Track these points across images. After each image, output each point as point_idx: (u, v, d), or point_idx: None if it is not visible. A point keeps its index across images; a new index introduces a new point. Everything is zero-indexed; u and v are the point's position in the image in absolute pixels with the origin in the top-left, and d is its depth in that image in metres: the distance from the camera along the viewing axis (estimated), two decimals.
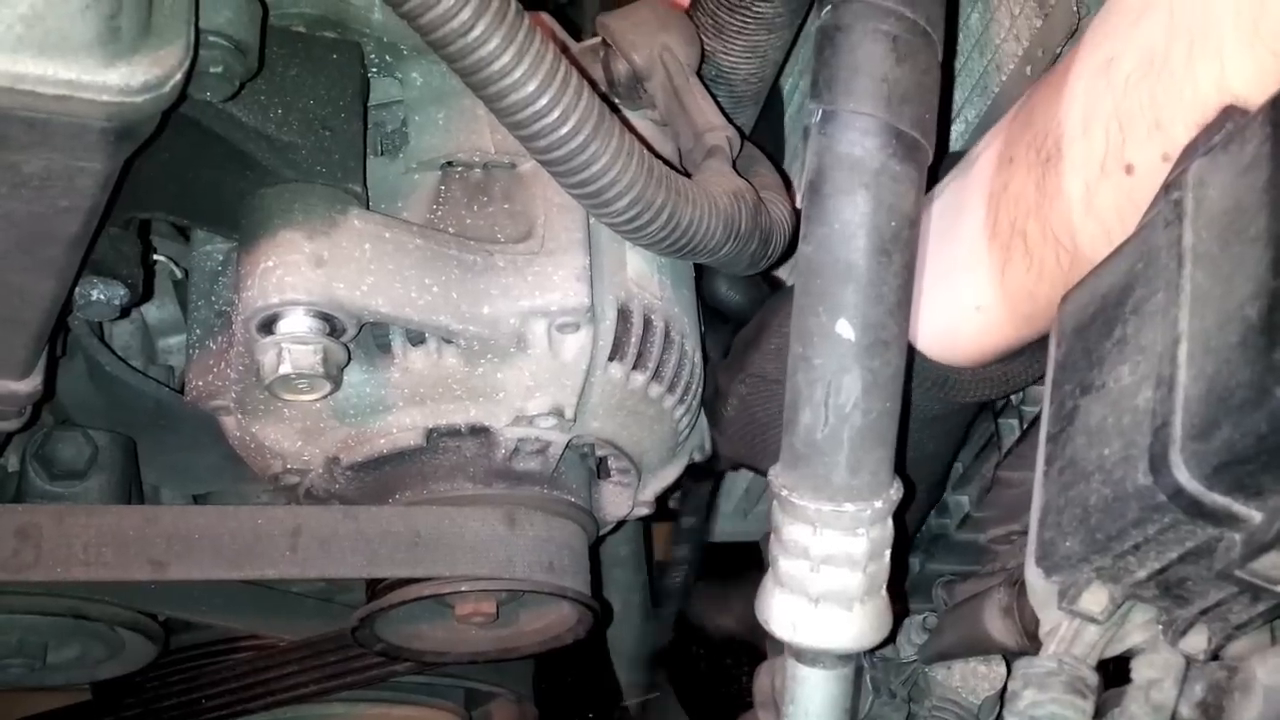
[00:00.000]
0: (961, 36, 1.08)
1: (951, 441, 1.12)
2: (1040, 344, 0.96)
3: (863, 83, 0.75)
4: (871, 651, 1.13)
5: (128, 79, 0.65)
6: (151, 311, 1.23)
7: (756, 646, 1.69)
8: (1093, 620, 0.73)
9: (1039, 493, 0.77)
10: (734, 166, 1.04)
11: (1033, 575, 0.76)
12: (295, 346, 0.88)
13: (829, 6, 0.76)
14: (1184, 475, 0.62)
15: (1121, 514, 0.67)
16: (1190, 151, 0.72)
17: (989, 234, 0.89)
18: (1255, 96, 0.70)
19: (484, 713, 1.63)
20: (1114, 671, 0.77)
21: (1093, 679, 0.74)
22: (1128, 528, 0.67)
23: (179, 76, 0.68)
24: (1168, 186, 0.72)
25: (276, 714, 1.39)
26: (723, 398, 1.17)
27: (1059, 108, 0.83)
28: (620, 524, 1.23)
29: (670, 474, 1.19)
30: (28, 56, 0.63)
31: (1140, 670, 0.74)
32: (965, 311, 0.93)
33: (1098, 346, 0.74)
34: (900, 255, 0.75)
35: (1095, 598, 0.71)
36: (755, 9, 1.10)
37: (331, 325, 0.90)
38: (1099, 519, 0.69)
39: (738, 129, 1.09)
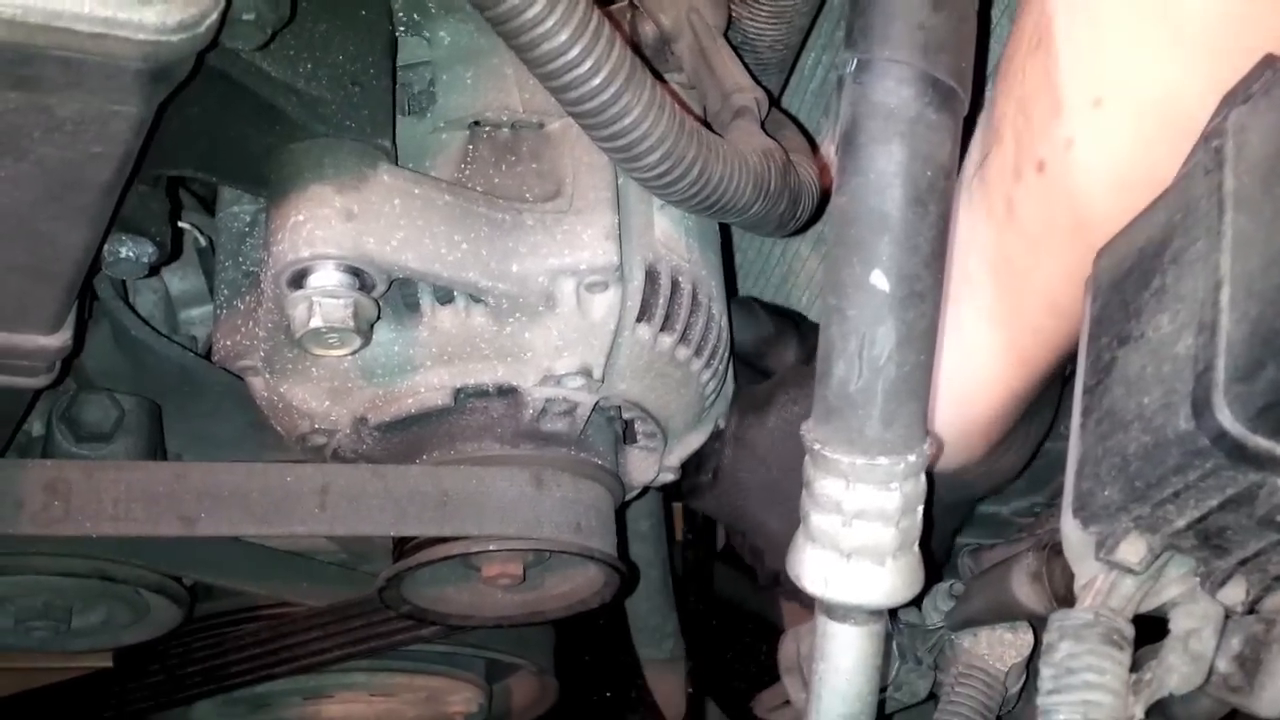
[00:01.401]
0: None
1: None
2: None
3: (898, 30, 0.74)
4: (896, 616, 1.13)
5: (164, 17, 0.65)
6: (174, 282, 1.23)
7: (774, 623, 1.69)
8: (1130, 571, 0.72)
9: (1075, 444, 0.77)
10: (762, 128, 1.04)
11: (1069, 527, 0.75)
12: (326, 300, 0.88)
13: None
14: (1227, 418, 0.62)
15: (1162, 461, 0.67)
16: (1230, 99, 0.71)
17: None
18: (1131, 37, 0.74)
19: (504, 686, 1.63)
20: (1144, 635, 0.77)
21: (1129, 631, 0.74)
22: (1168, 475, 0.66)
23: (214, 17, 0.67)
24: (1207, 136, 0.72)
25: (298, 680, 1.39)
26: (712, 458, 1.22)
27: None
28: (644, 491, 1.23)
29: (695, 440, 1.19)
30: None
31: (1179, 621, 0.74)
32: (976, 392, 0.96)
33: (1135, 298, 0.73)
34: (936, 206, 0.74)
35: (1133, 548, 0.71)
36: None
37: (361, 280, 0.89)
38: (1139, 467, 0.68)
39: (766, 91, 1.08)
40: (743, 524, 1.28)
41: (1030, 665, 1.12)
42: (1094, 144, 0.78)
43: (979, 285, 0.91)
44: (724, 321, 1.11)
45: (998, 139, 0.86)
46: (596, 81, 0.83)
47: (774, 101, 1.17)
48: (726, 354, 1.13)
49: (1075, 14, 0.77)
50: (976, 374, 0.94)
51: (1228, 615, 0.74)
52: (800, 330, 1.31)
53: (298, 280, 0.88)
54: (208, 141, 0.92)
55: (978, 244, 0.89)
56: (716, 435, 1.21)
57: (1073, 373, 0.96)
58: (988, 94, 1.06)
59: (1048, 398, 1.05)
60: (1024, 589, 1.00)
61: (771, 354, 1.28)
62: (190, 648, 1.35)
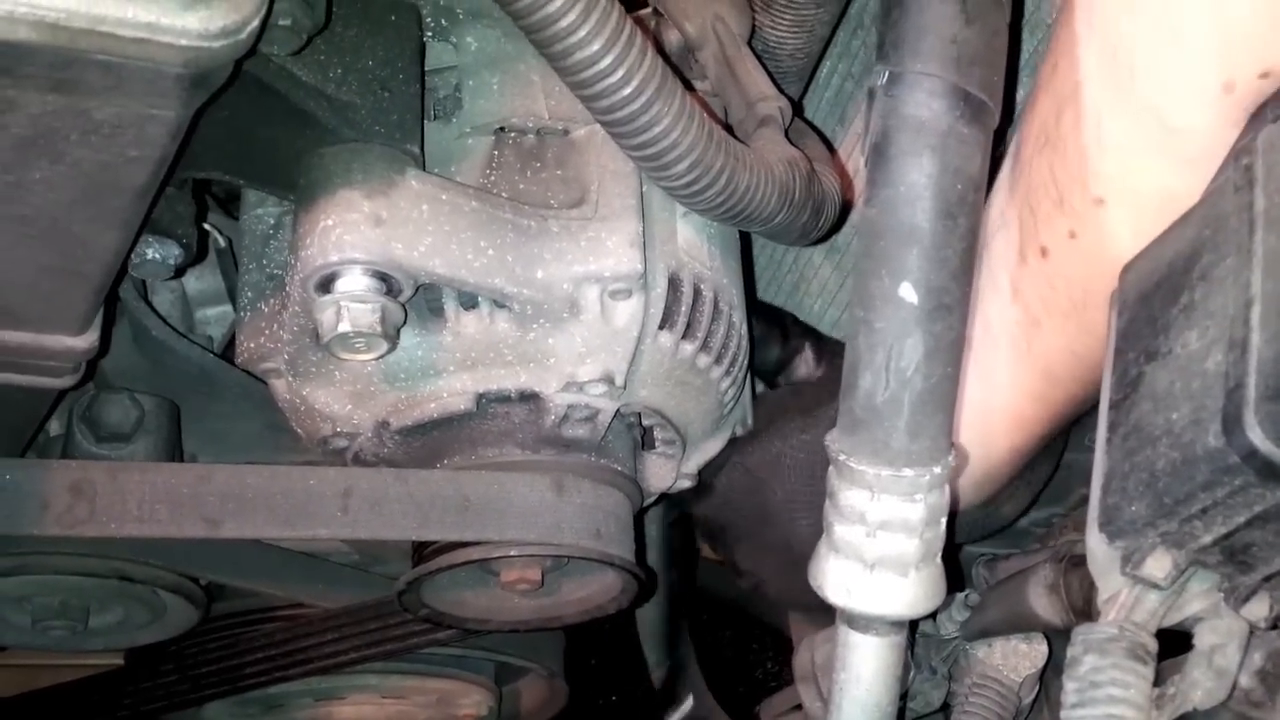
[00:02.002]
0: None
1: None
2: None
3: (931, 44, 0.74)
4: (913, 627, 1.14)
5: (206, 24, 0.65)
6: (191, 282, 1.24)
7: (780, 631, 1.69)
8: (1155, 586, 0.72)
9: (1101, 459, 0.77)
10: (786, 136, 1.04)
11: (1095, 541, 0.76)
12: (354, 305, 0.88)
13: None
14: (1258, 435, 0.62)
15: (1190, 477, 0.67)
16: (1259, 118, 0.72)
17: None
18: (1134, 150, 0.76)
19: (514, 689, 1.63)
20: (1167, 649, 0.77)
21: (1153, 645, 0.74)
22: (1196, 491, 0.67)
23: (255, 23, 0.68)
24: (1237, 153, 0.72)
25: (311, 682, 1.39)
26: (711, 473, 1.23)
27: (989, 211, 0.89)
28: (661, 497, 1.23)
29: (713, 447, 1.19)
30: None
31: (1203, 636, 0.74)
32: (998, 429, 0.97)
33: (1163, 313, 0.74)
34: (965, 219, 0.75)
35: (1159, 563, 0.71)
36: None
37: (389, 285, 0.90)
38: (1167, 483, 0.69)
39: (789, 99, 1.09)
40: (731, 543, 1.30)
41: (1043, 676, 1.13)
42: (1094, 237, 0.82)
43: (980, 350, 0.92)
44: (744, 329, 1.11)
45: (1004, 223, 0.89)
46: (628, 91, 0.83)
47: (797, 110, 1.17)
48: (746, 362, 1.13)
49: (1081, 120, 0.79)
50: (975, 431, 0.96)
51: (1251, 631, 0.75)
52: (785, 330, 1.32)
53: (326, 285, 0.89)
54: (237, 145, 0.92)
55: (979, 315, 0.91)
56: None
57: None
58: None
59: (1046, 455, 1.07)
60: (1040, 600, 1.00)
61: (755, 353, 1.29)
62: (205, 648, 1.35)
